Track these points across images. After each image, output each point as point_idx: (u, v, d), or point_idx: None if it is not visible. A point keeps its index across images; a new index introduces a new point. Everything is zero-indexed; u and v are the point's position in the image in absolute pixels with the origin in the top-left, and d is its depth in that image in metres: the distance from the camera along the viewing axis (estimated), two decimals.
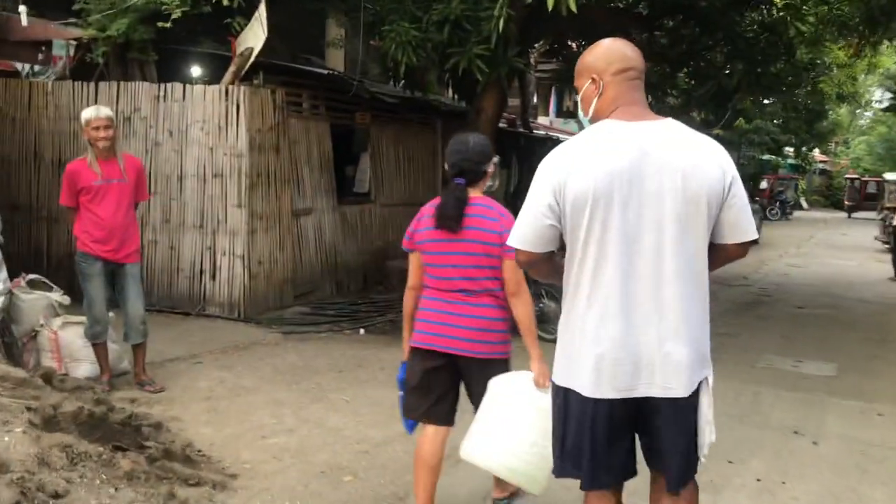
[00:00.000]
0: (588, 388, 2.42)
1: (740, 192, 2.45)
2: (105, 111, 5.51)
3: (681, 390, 2.40)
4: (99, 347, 5.69)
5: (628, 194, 2.36)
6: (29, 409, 3.77)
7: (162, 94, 8.17)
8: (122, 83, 8.35)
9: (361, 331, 8.15)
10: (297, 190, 8.90)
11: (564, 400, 2.49)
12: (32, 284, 6.32)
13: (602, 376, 2.40)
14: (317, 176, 9.25)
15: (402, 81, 10.15)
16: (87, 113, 5.47)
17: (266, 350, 7.20)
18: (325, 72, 9.32)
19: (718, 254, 2.50)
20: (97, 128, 5.40)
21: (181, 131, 8.11)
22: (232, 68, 8.11)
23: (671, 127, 2.46)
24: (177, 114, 8.11)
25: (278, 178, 8.45)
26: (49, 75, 8.77)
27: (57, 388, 5.36)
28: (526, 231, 2.48)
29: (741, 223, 2.45)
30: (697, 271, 2.42)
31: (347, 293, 9.55)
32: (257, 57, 8.09)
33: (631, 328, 2.38)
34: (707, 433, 2.46)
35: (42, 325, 5.99)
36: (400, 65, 8.25)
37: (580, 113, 2.61)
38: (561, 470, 2.58)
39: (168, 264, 8.28)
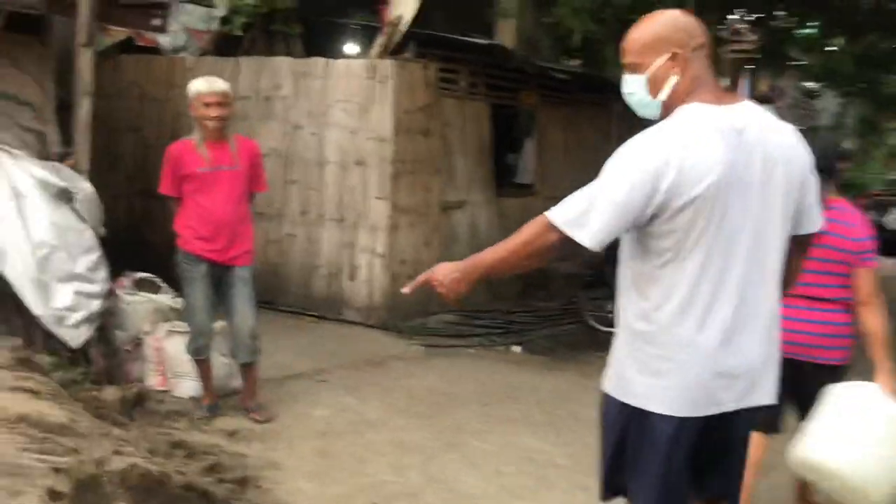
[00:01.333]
0: (685, 407, 2.22)
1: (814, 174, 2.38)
2: (219, 84, 4.58)
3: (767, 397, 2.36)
4: (202, 364, 4.81)
5: (738, 190, 2.15)
6: (57, 470, 2.83)
7: (305, 70, 7.28)
8: (264, 59, 7.55)
9: (517, 348, 6.93)
10: (449, 180, 7.78)
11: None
12: (141, 285, 5.59)
13: (702, 392, 2.22)
14: (472, 164, 8.08)
15: (576, 56, 8.84)
16: (197, 85, 4.55)
17: (403, 367, 6.14)
18: (487, 42, 8.12)
19: (798, 248, 2.37)
20: (208, 104, 4.49)
21: (322, 112, 7.18)
22: (380, 39, 7.10)
23: (755, 110, 2.26)
24: (318, 92, 7.20)
25: (426, 167, 7.36)
26: (191, 51, 8.15)
27: (147, 413, 4.58)
28: (607, 221, 2.13)
29: (817, 209, 2.38)
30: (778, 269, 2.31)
31: (502, 300, 8.34)
32: (410, 27, 7.03)
33: (740, 337, 2.23)
34: None
35: (147, 332, 5.23)
36: (574, 36, 7.00)
37: (642, 95, 2.28)
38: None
39: (305, 261, 7.41)
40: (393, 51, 7.12)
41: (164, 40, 8.28)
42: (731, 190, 2.13)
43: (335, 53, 7.93)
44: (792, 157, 2.23)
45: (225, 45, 8.26)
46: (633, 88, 2.29)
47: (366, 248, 7.03)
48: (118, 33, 8.40)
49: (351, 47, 9.38)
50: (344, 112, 7.06)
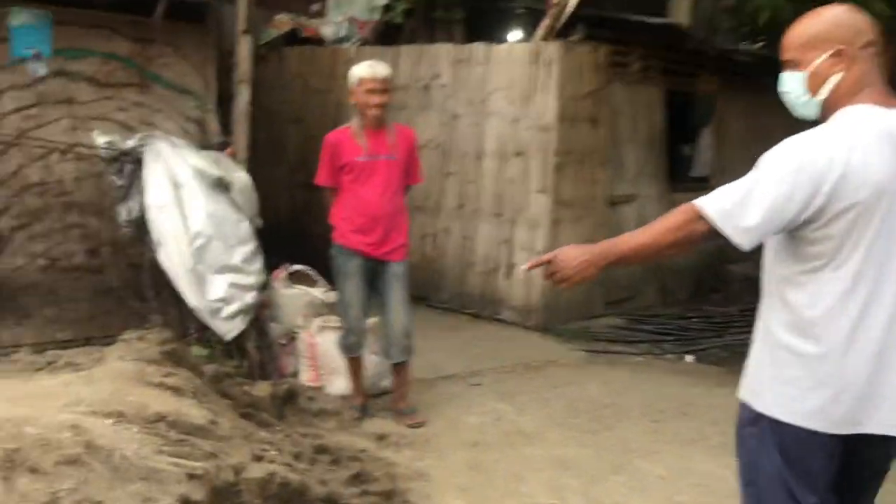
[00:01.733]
0: (819, 422, 2.09)
1: None
2: (382, 69, 4.34)
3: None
4: (354, 362, 4.60)
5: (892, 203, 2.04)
6: (193, 476, 2.64)
7: (464, 56, 6.97)
8: (424, 46, 7.31)
9: (689, 357, 6.31)
10: (617, 172, 7.24)
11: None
12: (297, 277, 5.47)
13: (840, 409, 2.07)
14: (643, 155, 7.48)
15: (759, 38, 8.02)
16: (360, 70, 4.33)
17: (563, 374, 5.70)
18: (662, 22, 7.48)
19: None
20: (371, 90, 4.26)
21: (481, 100, 6.85)
22: (545, 21, 6.67)
23: None
24: (478, 79, 6.86)
25: (593, 158, 6.86)
26: (354, 41, 8.05)
27: (297, 410, 4.41)
28: (761, 219, 2.02)
29: None
30: None
31: (674, 303, 7.69)
32: (578, 8, 6.55)
33: (891, 357, 2.07)
34: None
35: (300, 327, 5.09)
36: (761, 14, 6.28)
37: (800, 93, 2.16)
38: None
39: (460, 257, 7.11)
40: (559, 33, 6.67)
41: (327, 31, 8.24)
42: (893, 199, 2.03)
43: (499, 39, 7.58)
44: None
45: (386, 35, 8.11)
46: (791, 86, 2.18)
47: (524, 245, 6.63)
48: (283, 25, 8.46)
49: (515, 33, 9.01)
50: (504, 100, 6.69)
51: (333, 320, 4.90)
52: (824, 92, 2.12)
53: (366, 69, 4.32)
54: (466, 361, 5.76)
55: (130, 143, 4.78)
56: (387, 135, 4.39)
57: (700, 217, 2.08)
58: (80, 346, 4.42)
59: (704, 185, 8.10)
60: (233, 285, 4.74)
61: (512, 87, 6.64)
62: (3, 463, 2.30)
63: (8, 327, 4.74)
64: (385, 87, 4.31)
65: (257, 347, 4.92)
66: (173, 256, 4.63)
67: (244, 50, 5.12)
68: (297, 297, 5.22)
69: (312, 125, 8.23)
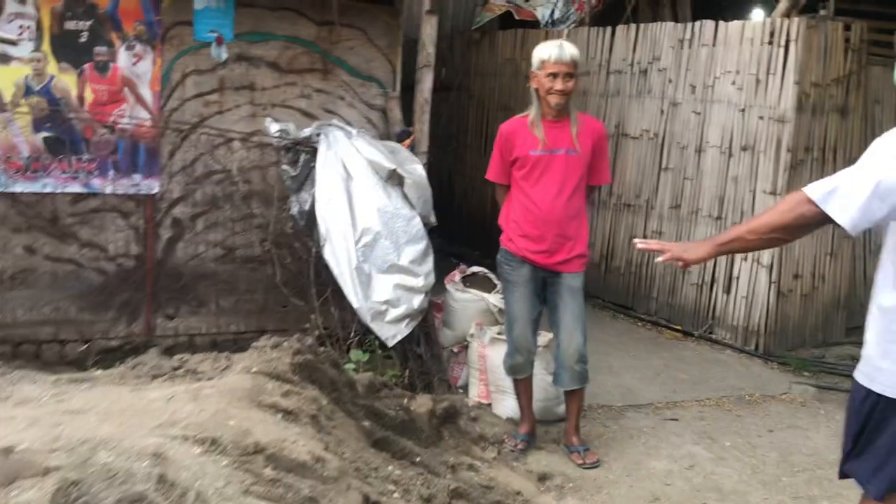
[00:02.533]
0: None
1: None
2: (570, 50, 3.74)
3: None
4: (521, 385, 4.06)
5: None
6: None
7: (688, 36, 6.10)
8: (642, 26, 6.53)
9: None
10: None
11: None
12: (474, 280, 5.00)
13: None
14: None
15: None
16: (544, 51, 3.75)
17: (784, 412, 4.76)
18: None
19: None
20: (554, 74, 3.68)
21: (706, 86, 5.95)
22: None
23: None
24: (703, 62, 5.97)
25: (839, 155, 5.73)
26: (571, 22, 7.43)
27: (457, 431, 3.95)
28: (866, 204, 2.08)
29: None
30: None
31: None
32: None
33: None
34: None
35: (472, 335, 4.62)
36: None
37: None
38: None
39: (672, 265, 6.27)
40: (804, 8, 5.63)
41: (542, 13, 7.68)
42: None
43: (732, 18, 6.61)
44: None
45: (606, 15, 7.41)
46: None
47: (748, 256, 5.69)
48: (497, 7, 8.03)
49: (756, 12, 7.91)
50: (733, 86, 5.75)
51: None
52: None
53: (549, 49, 3.73)
54: (664, 388, 4.99)
55: (306, 132, 4.56)
56: (569, 126, 3.78)
57: (808, 200, 2.17)
58: (253, 338, 4.28)
59: None
60: (399, 287, 4.38)
61: (741, 72, 5.69)
62: (53, 497, 2.02)
63: (184, 317, 4.72)
64: (570, 70, 3.69)
65: (424, 356, 4.53)
66: (338, 253, 4.34)
67: (428, 32, 4.72)
68: (471, 303, 4.76)
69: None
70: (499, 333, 4.44)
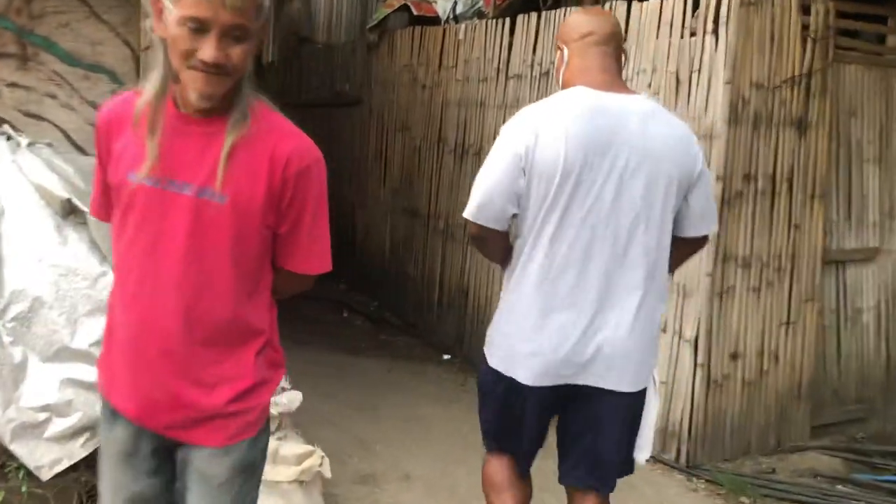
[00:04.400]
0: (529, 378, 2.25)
1: (707, 181, 2.32)
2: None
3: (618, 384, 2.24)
4: None
5: (599, 169, 2.16)
6: None
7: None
8: (544, 14, 4.96)
9: None
10: (844, 210, 4.39)
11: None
12: None
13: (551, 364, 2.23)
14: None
15: None
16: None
17: None
18: None
19: (678, 247, 2.35)
20: (199, 23, 1.50)
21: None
22: None
23: (648, 102, 2.31)
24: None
25: (796, 184, 4.12)
26: (471, 15, 5.91)
27: None
28: (483, 202, 2.24)
29: (708, 214, 2.36)
30: (661, 259, 2.27)
31: None
32: None
33: (580, 317, 2.21)
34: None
35: None
36: None
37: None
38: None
39: None
40: None
41: (442, 6, 6.16)
42: (587, 171, 2.17)
43: None
44: (667, 153, 2.24)
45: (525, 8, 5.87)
46: None
47: (667, 324, 4.05)
48: (397, 1, 6.53)
49: None
50: (648, 89, 4.16)
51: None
52: (560, 80, 2.38)
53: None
54: None
55: None
56: (223, 138, 1.92)
57: (471, 226, 2.32)
58: None
59: None
60: (73, 383, 2.81)
61: (659, 69, 4.10)
62: None
63: None
64: (240, 21, 1.49)
65: None
66: None
67: None
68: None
69: (416, 133, 6.23)
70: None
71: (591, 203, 2.15)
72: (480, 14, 5.66)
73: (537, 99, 4.78)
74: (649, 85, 4.14)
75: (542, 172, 2.14)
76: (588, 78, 2.22)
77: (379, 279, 6.74)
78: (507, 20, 5.20)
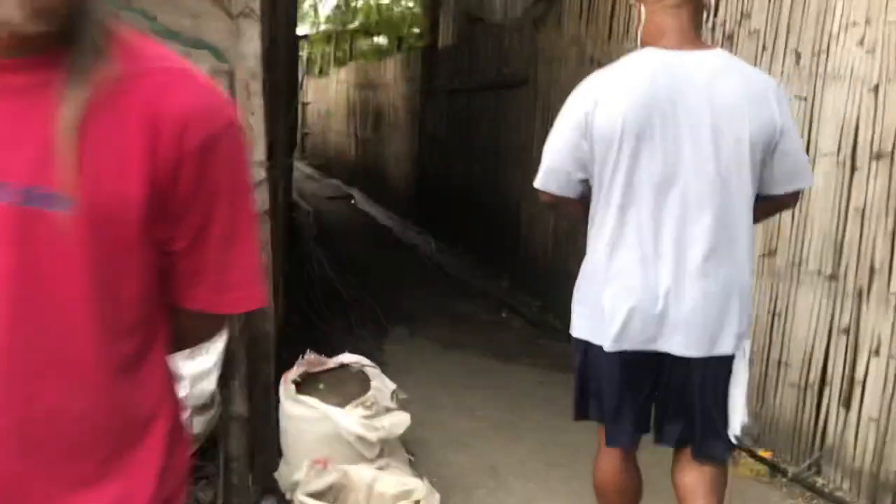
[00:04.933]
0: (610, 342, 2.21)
1: (792, 137, 2.20)
2: None
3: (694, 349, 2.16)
4: None
5: (664, 130, 2.10)
6: None
7: None
8: None
9: None
10: None
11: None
12: (337, 380, 3.01)
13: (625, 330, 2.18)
14: None
15: None
16: None
17: None
18: None
19: (766, 204, 2.27)
20: None
21: (816, 53, 3.52)
22: None
23: (721, 57, 2.21)
24: (813, 14, 3.54)
25: None
26: None
27: None
28: (548, 170, 2.27)
29: (798, 170, 2.24)
30: (737, 222, 2.15)
31: None
32: None
33: (657, 278, 2.14)
34: None
35: (300, 481, 2.63)
36: None
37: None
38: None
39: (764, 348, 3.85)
40: None
41: None
42: (652, 132, 2.13)
43: None
44: (743, 110, 2.15)
45: None
46: None
47: (878, 345, 3.18)
48: None
49: None
50: (860, 48, 3.28)
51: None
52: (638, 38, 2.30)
53: None
54: None
55: None
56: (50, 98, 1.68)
57: (542, 195, 2.37)
58: None
59: None
60: None
61: (874, 21, 3.22)
62: None
63: None
64: None
65: None
66: None
67: None
68: (306, 423, 2.77)
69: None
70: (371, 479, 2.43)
71: (659, 165, 2.10)
72: None
73: None
74: (860, 42, 3.27)
75: (602, 136, 2.11)
76: (662, 39, 2.17)
77: (542, 277, 6.18)
78: None
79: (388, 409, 2.78)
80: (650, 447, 2.42)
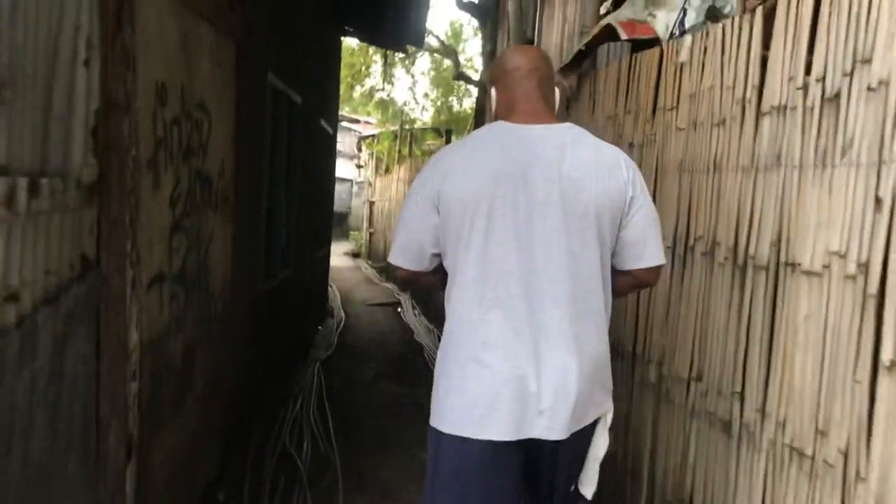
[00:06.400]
0: (471, 429, 2.08)
1: (644, 210, 2.16)
2: None
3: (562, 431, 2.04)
4: None
5: (510, 203, 2.08)
6: None
7: None
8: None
9: None
10: None
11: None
12: None
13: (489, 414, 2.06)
14: None
15: None
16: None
17: None
18: None
19: (625, 279, 2.26)
20: None
21: None
22: None
23: (571, 131, 2.18)
24: None
25: None
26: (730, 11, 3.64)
27: None
28: (401, 247, 2.24)
29: (647, 245, 2.19)
30: (592, 295, 2.12)
31: None
32: None
33: (512, 357, 2.05)
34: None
35: None
36: None
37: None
38: None
39: None
40: None
41: (663, 22, 3.93)
42: (502, 204, 2.12)
43: None
44: (590, 183, 2.14)
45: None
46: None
47: None
48: (596, 25, 4.43)
49: None
50: None
51: None
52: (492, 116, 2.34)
53: None
54: None
55: None
56: None
57: (398, 270, 2.34)
58: None
59: None
60: None
61: None
62: None
63: None
64: None
65: None
66: None
67: None
68: None
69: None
70: None
71: (511, 239, 2.06)
72: (714, 17, 3.33)
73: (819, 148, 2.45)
74: None
75: (453, 211, 2.10)
76: (513, 113, 2.19)
77: None
78: (760, 11, 2.84)
79: None
80: None
